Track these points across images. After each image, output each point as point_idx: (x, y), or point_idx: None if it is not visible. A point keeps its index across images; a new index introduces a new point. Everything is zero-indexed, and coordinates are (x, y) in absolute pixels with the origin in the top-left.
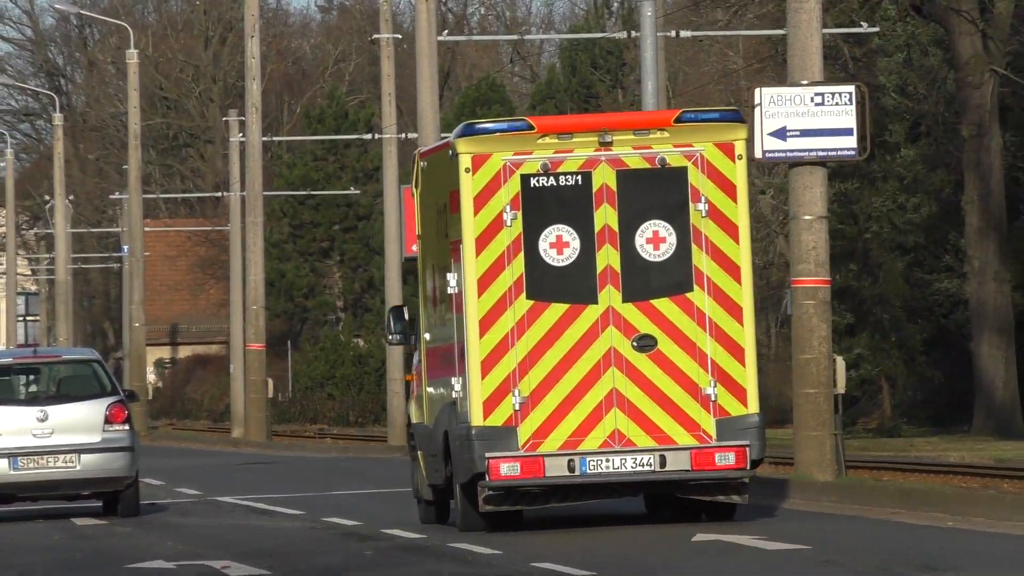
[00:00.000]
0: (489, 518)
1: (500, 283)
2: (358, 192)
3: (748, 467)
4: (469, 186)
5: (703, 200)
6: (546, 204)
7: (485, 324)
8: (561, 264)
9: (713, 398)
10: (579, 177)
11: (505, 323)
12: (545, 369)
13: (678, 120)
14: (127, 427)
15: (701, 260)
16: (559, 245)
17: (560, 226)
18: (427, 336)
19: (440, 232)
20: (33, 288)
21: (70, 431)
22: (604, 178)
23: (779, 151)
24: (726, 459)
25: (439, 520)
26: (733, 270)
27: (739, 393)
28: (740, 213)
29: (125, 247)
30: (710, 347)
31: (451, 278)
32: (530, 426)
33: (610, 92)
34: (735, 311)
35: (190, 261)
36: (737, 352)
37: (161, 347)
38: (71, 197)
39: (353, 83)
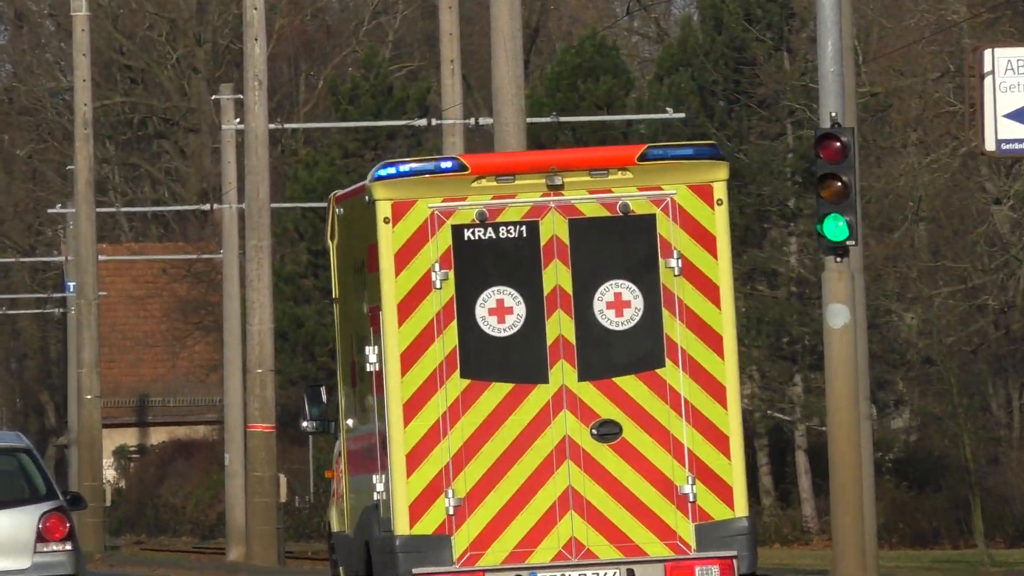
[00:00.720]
0: None
1: (428, 359)
2: None
3: None
4: (389, 240)
5: (675, 255)
6: (484, 261)
7: (411, 409)
8: (503, 335)
9: (691, 498)
10: (524, 228)
11: (435, 408)
12: (485, 464)
13: (642, 157)
14: (69, 547)
15: (674, 329)
16: (500, 311)
17: (501, 288)
18: (348, 423)
19: (358, 295)
20: None
21: None
22: (554, 229)
23: (1022, 140)
24: (709, 574)
25: None
26: (713, 340)
27: (723, 492)
28: (721, 270)
29: (70, 284)
30: (687, 435)
31: (370, 352)
32: (467, 534)
33: (772, 56)
34: (716, 391)
35: (165, 304)
36: (720, 441)
37: (125, 429)
38: None
39: (400, 45)
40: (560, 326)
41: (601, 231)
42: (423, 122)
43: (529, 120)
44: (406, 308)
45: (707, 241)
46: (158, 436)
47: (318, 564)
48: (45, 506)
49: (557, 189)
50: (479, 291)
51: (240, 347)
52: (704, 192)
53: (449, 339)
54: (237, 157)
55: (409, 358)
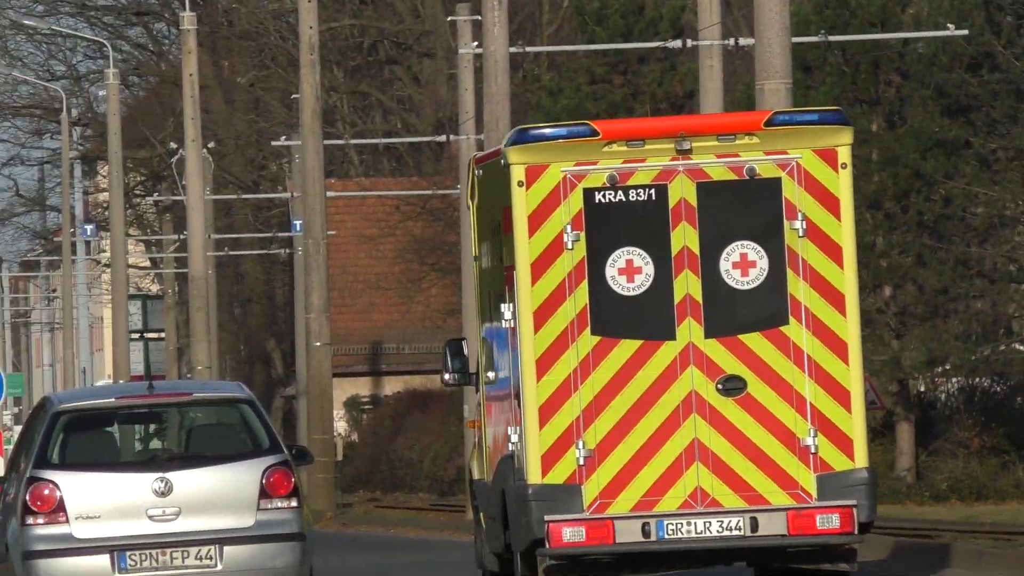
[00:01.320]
0: None
1: (560, 316)
2: None
3: (856, 531)
4: (523, 203)
5: (800, 217)
6: (614, 223)
7: (543, 364)
8: (632, 293)
9: (813, 450)
10: (653, 191)
11: (567, 363)
12: (614, 417)
13: (769, 123)
14: (295, 503)
15: (798, 288)
16: (629, 271)
17: (630, 249)
18: (489, 375)
19: (495, 255)
20: (154, 289)
21: (206, 510)
22: (682, 192)
23: None
24: (829, 522)
25: None
26: (836, 299)
27: (844, 444)
28: (844, 232)
29: (297, 222)
30: (809, 390)
31: (506, 310)
32: (597, 484)
33: None
34: (839, 347)
35: (399, 244)
36: (842, 396)
37: (356, 378)
38: (211, 145)
39: None
40: (688, 285)
41: (728, 194)
42: (677, 43)
43: (794, 40)
44: (539, 268)
45: (831, 204)
46: (392, 386)
47: None
48: (269, 460)
49: (685, 153)
50: (609, 252)
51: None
52: (829, 156)
53: (580, 297)
54: (475, 84)
55: (542, 315)
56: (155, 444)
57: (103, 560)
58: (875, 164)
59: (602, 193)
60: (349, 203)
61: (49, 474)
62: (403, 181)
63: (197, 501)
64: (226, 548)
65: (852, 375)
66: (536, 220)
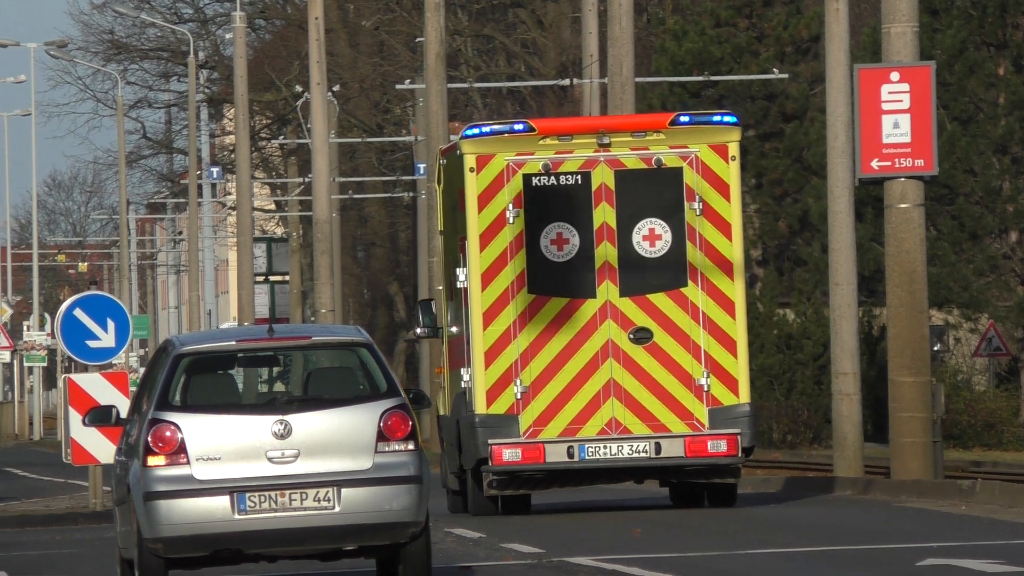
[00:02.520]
0: (495, 502)
1: (503, 278)
2: (784, 76)
3: (739, 454)
4: (474, 185)
5: (697, 199)
6: (547, 202)
7: (488, 317)
8: (561, 260)
9: (706, 388)
10: (579, 177)
11: (507, 316)
12: (546, 360)
13: (673, 123)
14: (412, 446)
15: (695, 256)
16: (559, 242)
17: (561, 224)
18: (452, 330)
19: (454, 228)
20: (279, 232)
21: (325, 453)
22: (603, 178)
23: None
24: (718, 446)
25: (464, 509)
26: (726, 266)
27: (731, 383)
28: (733, 212)
29: (420, 166)
30: (703, 339)
31: (460, 273)
32: (531, 414)
33: None
34: (728, 305)
35: None
36: (729, 344)
37: None
38: (336, 88)
39: None
40: (606, 253)
41: (639, 180)
42: None
43: None
44: (486, 238)
45: (723, 189)
46: None
47: None
48: (386, 404)
49: (606, 147)
50: (543, 226)
51: None
52: (721, 151)
53: (519, 263)
54: (599, 27)
55: (488, 277)
56: (279, 387)
57: (223, 501)
58: (1002, 108)
59: (538, 178)
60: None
61: (171, 416)
62: None
63: (315, 443)
64: (344, 490)
65: (738, 328)
66: (484, 199)
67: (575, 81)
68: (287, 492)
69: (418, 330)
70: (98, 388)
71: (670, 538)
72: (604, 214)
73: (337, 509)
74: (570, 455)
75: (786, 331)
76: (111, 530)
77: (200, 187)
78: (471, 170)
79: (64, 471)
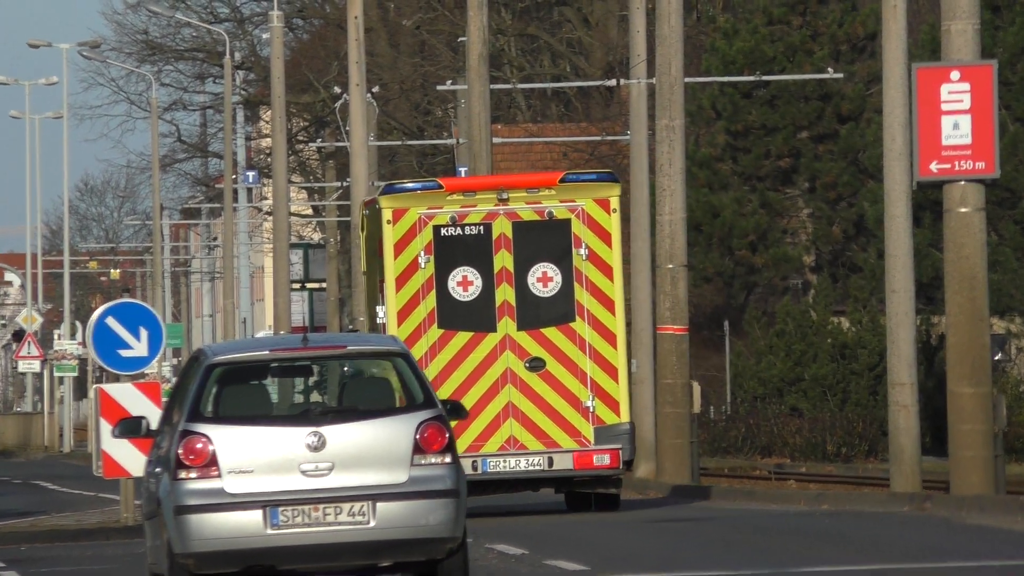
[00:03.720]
0: None
1: (416, 315)
2: (839, 76)
3: (620, 466)
4: (390, 235)
5: (584, 246)
6: (454, 249)
7: None
8: (466, 299)
9: (592, 409)
10: (481, 227)
11: (420, 348)
12: (453, 385)
13: (563, 180)
14: (449, 459)
15: (582, 295)
16: (465, 283)
17: (466, 267)
18: None
19: (374, 271)
20: (316, 238)
21: (359, 466)
22: (502, 228)
23: None
24: (602, 460)
25: None
26: (608, 304)
27: (613, 405)
28: (614, 257)
29: (462, 169)
30: (589, 367)
31: (379, 310)
32: None
33: None
34: (610, 337)
35: None
36: (612, 372)
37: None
38: (375, 89)
39: None
40: (505, 293)
41: (534, 230)
42: None
43: None
44: (401, 280)
45: (605, 237)
46: None
47: (735, 482)
48: (423, 415)
49: (504, 201)
50: (450, 269)
51: (649, 240)
52: (604, 204)
53: (430, 302)
54: (647, 25)
55: (403, 314)
56: (315, 398)
57: (255, 515)
58: None
59: (446, 228)
60: (516, 150)
61: (202, 427)
62: (571, 127)
63: (350, 456)
64: (379, 504)
65: (619, 357)
66: (400, 247)
67: (622, 81)
68: (321, 506)
69: None
70: (130, 399)
71: (715, 554)
72: (503, 259)
73: (372, 524)
74: (475, 468)
75: (840, 340)
76: (142, 545)
77: (235, 191)
78: (388, 222)
79: (95, 484)
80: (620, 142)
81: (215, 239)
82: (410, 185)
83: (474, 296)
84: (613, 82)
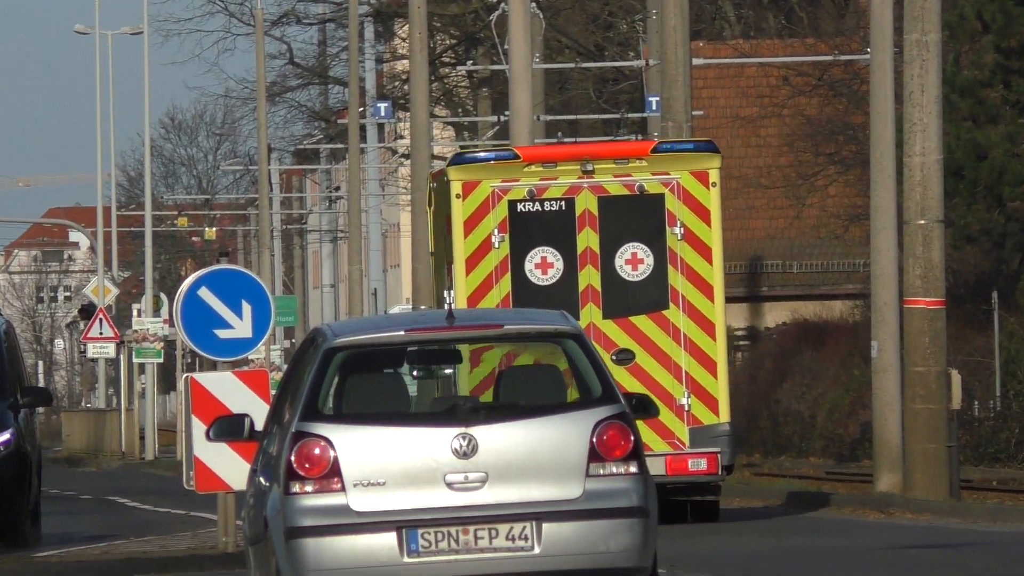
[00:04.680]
0: None
1: (488, 301)
2: None
3: (719, 472)
4: (460, 211)
5: (679, 224)
6: (532, 228)
7: None
8: (545, 283)
9: (687, 408)
10: (563, 203)
11: None
12: None
13: (655, 150)
14: (635, 468)
15: (676, 280)
16: (544, 266)
17: (545, 248)
18: None
19: (443, 251)
20: None
21: (520, 477)
22: (586, 204)
23: None
24: (698, 465)
25: None
26: (707, 289)
27: (711, 404)
28: (714, 237)
29: (653, 99)
30: (684, 361)
31: (447, 296)
32: None
33: None
34: (708, 327)
35: (787, 128)
36: (710, 365)
37: (729, 305)
38: None
39: None
40: (589, 277)
41: (623, 206)
42: None
43: None
44: (472, 262)
45: (703, 214)
46: (775, 315)
47: (1006, 498)
48: (601, 412)
49: (589, 174)
50: (528, 250)
51: (893, 189)
52: (702, 177)
53: (504, 286)
54: None
55: (474, 300)
56: (448, 391)
57: (388, 539)
58: None
59: (523, 204)
60: (722, 74)
61: (320, 428)
62: (794, 44)
63: (508, 465)
64: (545, 526)
65: (718, 349)
66: (470, 224)
67: None
68: (472, 528)
69: None
70: (229, 391)
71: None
72: (588, 239)
73: (536, 551)
74: None
75: None
76: None
77: (363, 129)
78: (457, 196)
79: (185, 500)
80: (857, 63)
81: (337, 189)
82: (482, 155)
83: (554, 280)
84: None
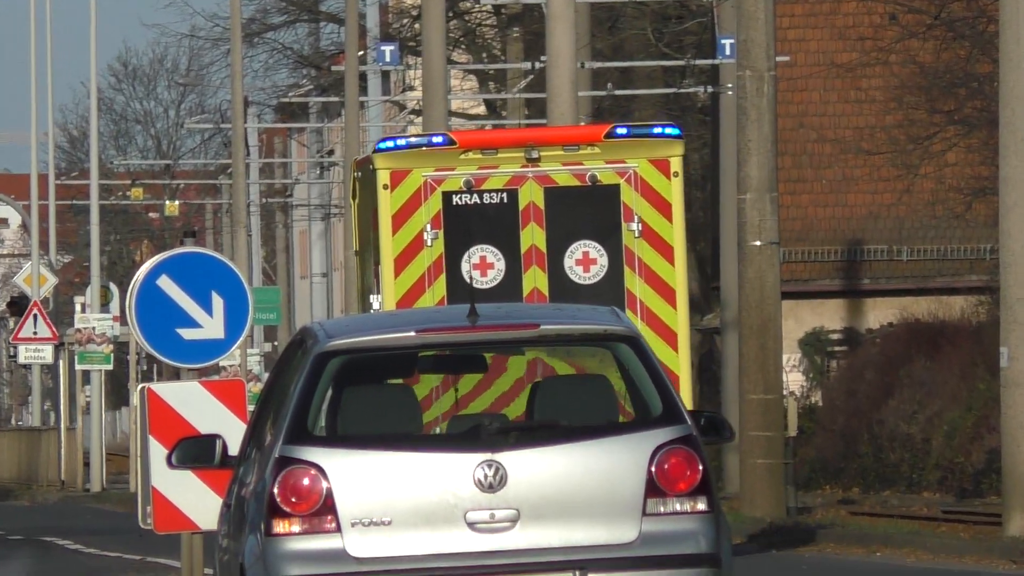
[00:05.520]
0: None
1: (420, 306)
2: None
3: None
4: (387, 203)
5: (636, 219)
6: (469, 223)
7: None
8: (485, 287)
9: None
10: (504, 194)
11: None
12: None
13: (609, 135)
14: (704, 505)
15: (634, 283)
16: (483, 266)
17: (484, 246)
18: None
19: (368, 250)
20: None
21: (560, 515)
22: (531, 196)
23: None
24: None
25: None
26: (668, 294)
27: None
28: (676, 233)
29: (726, 42)
30: None
31: (374, 301)
32: None
33: None
34: (669, 337)
35: (896, 80)
36: (671, 380)
37: (820, 300)
38: None
39: None
40: (535, 280)
41: (572, 198)
42: None
43: None
44: (401, 263)
45: (664, 208)
46: (879, 313)
47: None
48: (662, 435)
49: (534, 162)
50: (465, 248)
51: None
52: (662, 166)
53: (438, 290)
54: None
55: (404, 305)
56: (474, 408)
57: None
58: None
59: (459, 196)
60: (811, 11)
61: (310, 453)
62: None
63: (545, 500)
64: None
65: (681, 361)
66: (399, 219)
67: None
68: None
69: None
70: (196, 406)
71: None
72: (533, 236)
73: None
74: None
75: None
76: None
77: (363, 78)
78: (385, 187)
79: (141, 543)
80: None
81: (330, 153)
82: (414, 140)
83: (495, 283)
84: None
